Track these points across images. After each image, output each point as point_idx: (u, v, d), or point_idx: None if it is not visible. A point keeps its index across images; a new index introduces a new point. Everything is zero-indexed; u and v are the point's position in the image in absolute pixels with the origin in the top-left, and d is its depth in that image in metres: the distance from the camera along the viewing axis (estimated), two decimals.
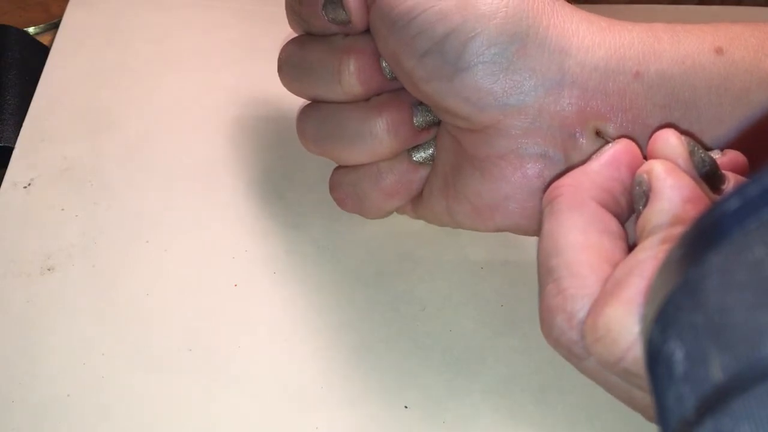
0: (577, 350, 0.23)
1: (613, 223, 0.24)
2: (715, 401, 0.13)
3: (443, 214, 0.31)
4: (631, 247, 0.23)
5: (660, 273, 0.16)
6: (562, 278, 0.23)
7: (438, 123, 0.31)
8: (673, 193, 0.22)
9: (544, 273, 0.23)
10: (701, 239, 0.14)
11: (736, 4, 0.47)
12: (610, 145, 0.26)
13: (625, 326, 0.20)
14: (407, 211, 0.34)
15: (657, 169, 0.23)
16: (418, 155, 0.31)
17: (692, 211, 0.22)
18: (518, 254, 0.34)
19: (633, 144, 0.26)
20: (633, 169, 0.25)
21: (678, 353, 0.14)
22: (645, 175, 0.23)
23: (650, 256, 0.21)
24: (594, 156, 0.26)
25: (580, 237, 0.23)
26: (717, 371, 0.13)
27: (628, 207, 0.25)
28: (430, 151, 0.31)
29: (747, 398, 0.12)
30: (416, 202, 0.33)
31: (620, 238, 0.24)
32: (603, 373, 0.23)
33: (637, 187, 0.24)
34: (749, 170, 0.26)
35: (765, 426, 0.12)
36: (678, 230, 0.21)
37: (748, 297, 0.13)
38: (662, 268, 0.15)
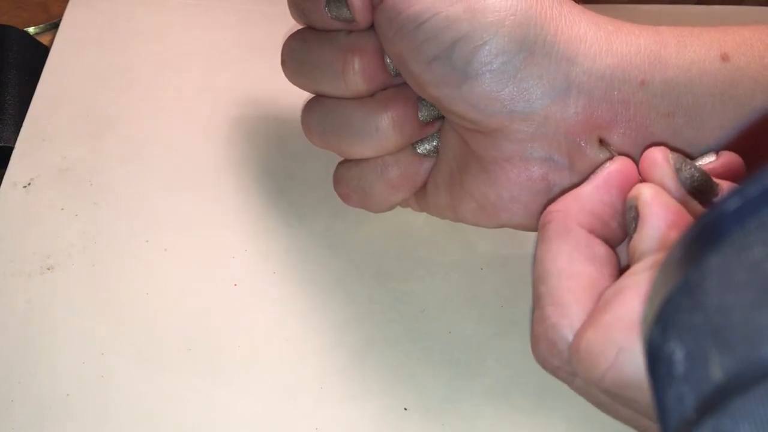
0: (561, 374, 0.24)
1: (602, 249, 0.24)
2: (715, 401, 0.13)
3: (447, 208, 0.31)
4: (623, 269, 0.23)
5: (660, 273, 0.16)
6: (545, 306, 0.23)
7: (443, 116, 0.31)
8: (657, 220, 0.23)
9: (534, 299, 0.24)
10: (701, 239, 0.14)
11: (737, 3, 0.47)
12: (606, 165, 0.26)
13: (602, 350, 0.21)
14: (411, 204, 0.34)
15: (644, 194, 0.23)
16: (422, 148, 0.31)
17: (675, 237, 0.22)
18: (519, 255, 0.34)
19: (629, 163, 0.26)
20: (626, 191, 0.25)
21: (678, 353, 0.14)
22: (634, 201, 0.24)
23: (634, 282, 0.21)
24: (589, 177, 0.26)
25: (565, 265, 0.23)
26: (717, 371, 0.13)
27: (621, 229, 0.25)
28: (434, 143, 0.31)
29: (747, 398, 0.12)
30: (420, 196, 0.33)
31: (608, 264, 0.24)
32: (590, 392, 0.23)
33: (628, 212, 0.24)
34: (749, 170, 0.26)
35: (765, 426, 0.12)
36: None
37: (747, 297, 0.13)
38: (662, 269, 0.15)
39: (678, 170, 0.25)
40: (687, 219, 0.23)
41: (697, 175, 0.25)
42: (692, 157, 0.26)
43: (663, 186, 0.24)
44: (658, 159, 0.25)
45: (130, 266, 0.33)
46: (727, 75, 0.27)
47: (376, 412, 0.29)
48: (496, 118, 0.27)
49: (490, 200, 0.29)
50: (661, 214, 0.23)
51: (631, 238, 0.24)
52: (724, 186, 0.25)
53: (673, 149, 0.26)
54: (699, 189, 0.24)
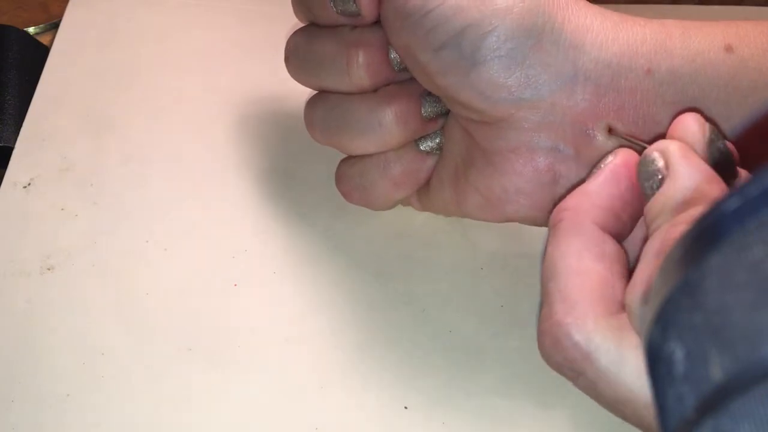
0: (566, 372, 0.23)
1: (612, 247, 0.24)
2: (715, 401, 0.13)
3: (451, 204, 0.31)
4: (630, 271, 0.23)
5: (660, 273, 0.16)
6: (553, 303, 0.23)
7: (446, 113, 0.31)
8: (694, 172, 0.22)
9: (543, 295, 0.24)
10: (701, 239, 0.14)
11: (736, 3, 0.47)
12: (609, 159, 0.26)
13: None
14: (412, 202, 0.34)
15: (673, 148, 0.23)
16: (425, 145, 0.31)
17: (717, 191, 0.22)
18: (519, 255, 0.34)
19: (632, 155, 0.26)
20: (633, 181, 0.25)
21: (678, 353, 0.14)
22: (657, 154, 0.23)
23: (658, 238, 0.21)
24: (593, 173, 0.26)
25: (575, 262, 0.23)
26: (717, 371, 0.13)
27: (630, 221, 0.25)
28: (437, 140, 0.31)
29: (747, 398, 0.12)
30: (422, 193, 0.33)
31: (617, 262, 0.24)
32: (594, 390, 0.23)
33: (651, 165, 0.23)
34: (749, 170, 0.26)
35: (765, 426, 0.12)
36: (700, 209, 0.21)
37: (747, 297, 0.13)
38: (662, 268, 0.15)
39: (709, 141, 0.24)
40: (719, 179, 0.22)
41: (724, 151, 0.24)
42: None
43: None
44: (693, 125, 0.24)
45: (130, 266, 0.33)
46: (731, 66, 0.27)
47: (376, 411, 0.29)
48: (503, 106, 0.27)
49: (496, 193, 0.29)
50: (697, 167, 0.22)
51: (651, 194, 0.23)
52: (743, 175, 0.25)
53: (706, 119, 0.25)
54: (719, 167, 0.24)
